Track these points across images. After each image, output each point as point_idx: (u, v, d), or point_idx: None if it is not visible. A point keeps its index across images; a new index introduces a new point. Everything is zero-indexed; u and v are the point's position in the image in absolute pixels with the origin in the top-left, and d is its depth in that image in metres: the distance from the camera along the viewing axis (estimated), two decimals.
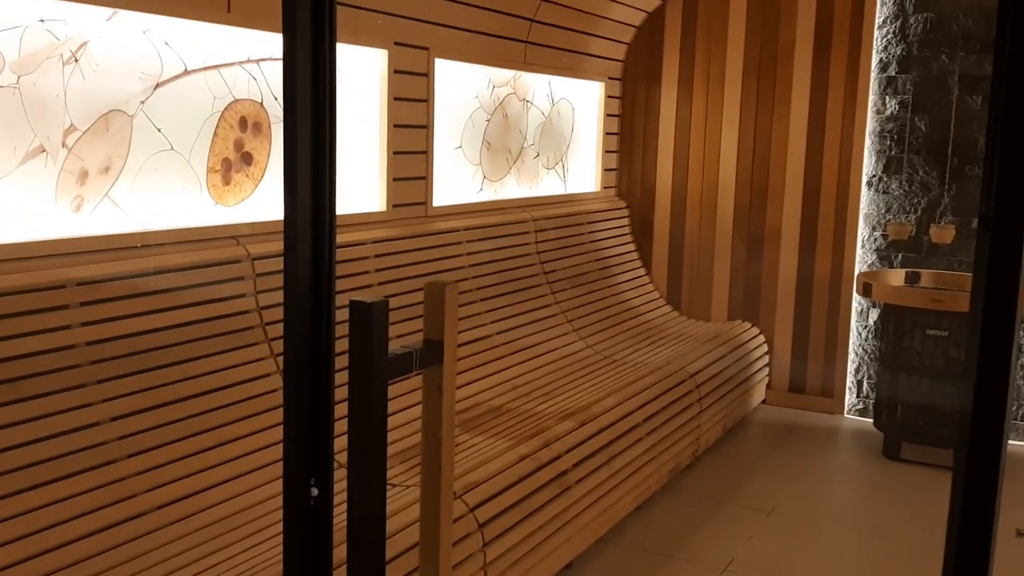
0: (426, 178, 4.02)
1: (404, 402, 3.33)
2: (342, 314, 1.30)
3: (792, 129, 5.23)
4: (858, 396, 5.23)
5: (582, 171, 5.47)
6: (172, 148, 2.85)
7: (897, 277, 4.88)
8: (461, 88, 4.28)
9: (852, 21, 5.02)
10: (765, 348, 5.31)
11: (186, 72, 2.87)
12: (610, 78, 5.55)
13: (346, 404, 1.26)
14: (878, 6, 4.97)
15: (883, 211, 5.06)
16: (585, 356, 4.51)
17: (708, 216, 5.51)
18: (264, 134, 3.17)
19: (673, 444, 4.03)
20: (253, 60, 3.09)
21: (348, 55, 3.54)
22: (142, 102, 2.73)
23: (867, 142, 5.07)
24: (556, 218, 4.97)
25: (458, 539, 2.62)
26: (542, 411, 3.62)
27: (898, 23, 4.94)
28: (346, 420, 1.27)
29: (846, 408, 5.25)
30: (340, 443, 1.31)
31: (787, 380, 5.36)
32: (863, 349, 5.19)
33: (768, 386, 5.38)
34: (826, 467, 4.52)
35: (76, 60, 2.53)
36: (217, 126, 2.99)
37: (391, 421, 3.20)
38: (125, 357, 2.58)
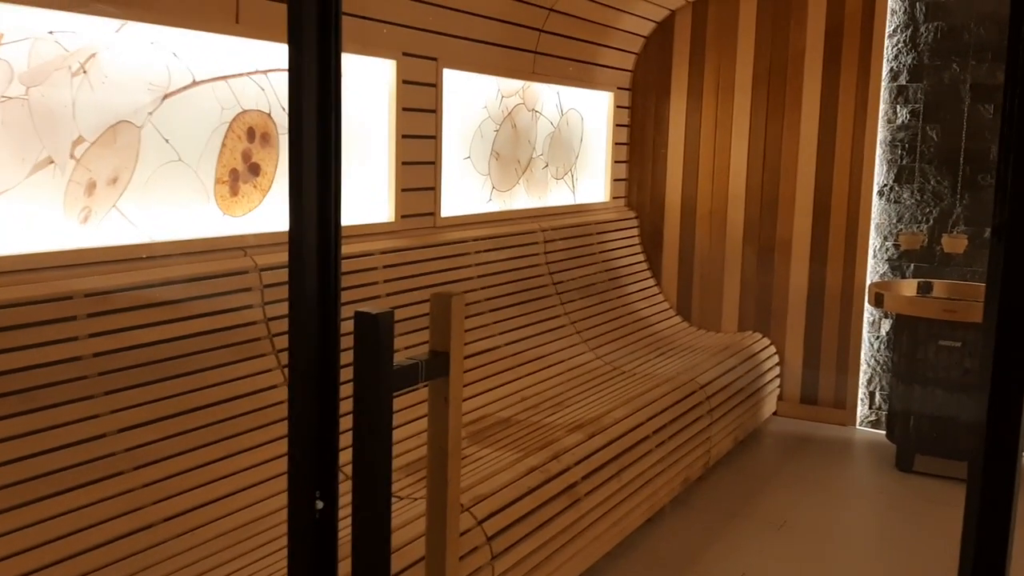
0: (435, 188, 4.02)
1: (412, 414, 3.31)
2: (349, 325, 1.29)
3: (802, 139, 5.21)
4: (870, 408, 5.18)
5: (591, 181, 5.46)
6: (180, 159, 2.85)
7: (909, 287, 4.84)
8: (470, 98, 4.28)
9: (862, 30, 5.00)
10: (776, 359, 5.28)
11: (194, 83, 2.87)
12: (619, 88, 5.55)
13: (352, 417, 1.25)
14: (888, 15, 4.95)
15: (895, 221, 5.03)
16: (594, 367, 4.49)
17: (718, 226, 5.49)
18: (272, 145, 3.17)
19: (684, 456, 4.00)
20: (261, 71, 3.09)
21: (357, 65, 3.54)
22: (150, 113, 2.74)
23: (878, 151, 5.04)
24: (565, 228, 4.95)
25: (466, 552, 2.60)
26: (551, 423, 3.60)
27: (909, 32, 4.92)
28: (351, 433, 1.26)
29: (858, 420, 5.20)
30: (346, 456, 1.30)
31: (799, 391, 5.32)
32: (875, 360, 5.15)
33: (779, 397, 5.34)
34: (838, 480, 4.48)
35: (85, 71, 2.54)
36: (225, 137, 2.99)
37: (398, 433, 3.18)
38: (132, 368, 2.58)
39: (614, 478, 3.42)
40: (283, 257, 3.06)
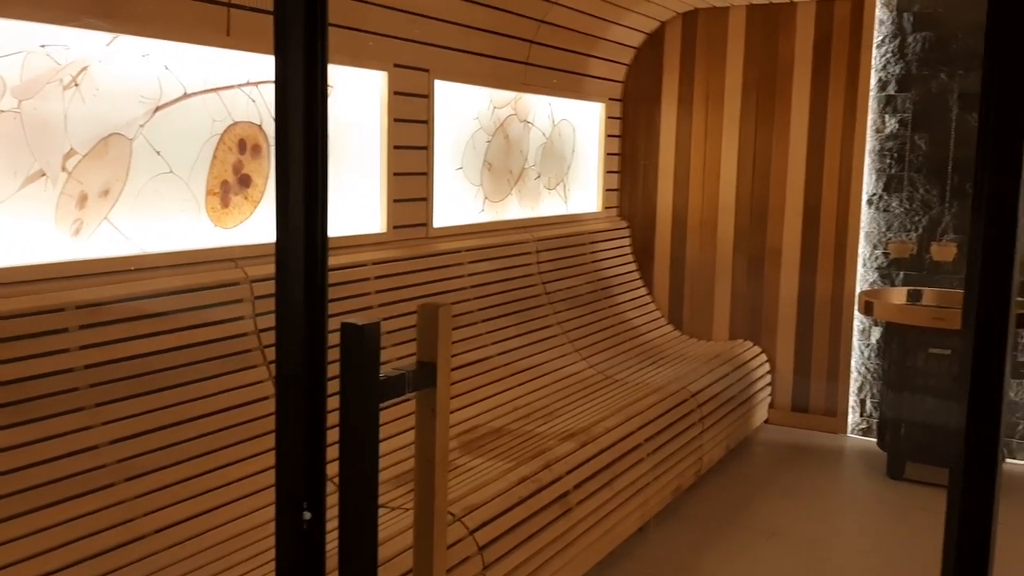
0: (427, 199, 4.03)
1: (402, 425, 3.32)
2: (338, 337, 1.30)
3: (792, 148, 5.24)
4: (861, 415, 5.20)
5: (583, 192, 5.48)
6: (171, 171, 2.86)
7: (899, 295, 4.87)
8: (462, 109, 4.30)
9: (850, 40, 5.04)
10: (767, 367, 5.30)
11: (185, 95, 2.89)
12: (611, 99, 5.57)
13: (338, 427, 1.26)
14: (876, 25, 4.99)
15: (884, 229, 5.06)
16: (587, 376, 4.50)
17: (709, 235, 5.51)
18: (263, 156, 3.18)
19: (675, 465, 4.01)
20: (252, 83, 3.11)
21: (348, 77, 3.56)
22: (141, 126, 2.75)
23: (867, 160, 5.08)
24: (558, 238, 4.97)
25: (457, 562, 2.60)
26: (543, 432, 3.61)
27: (897, 42, 4.96)
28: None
29: (849, 428, 5.22)
30: (334, 467, 1.31)
31: (790, 399, 5.34)
32: (866, 368, 5.17)
33: (771, 405, 5.36)
34: (830, 487, 4.50)
35: (77, 84, 2.55)
36: (216, 149, 3.00)
37: (387, 444, 3.19)
38: (124, 380, 2.58)
39: (606, 487, 3.43)
40: (274, 269, 3.05)
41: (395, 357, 3.55)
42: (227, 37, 2.96)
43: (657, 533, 3.87)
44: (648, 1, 4.98)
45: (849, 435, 5.22)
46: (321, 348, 1.17)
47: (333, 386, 1.29)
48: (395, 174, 3.81)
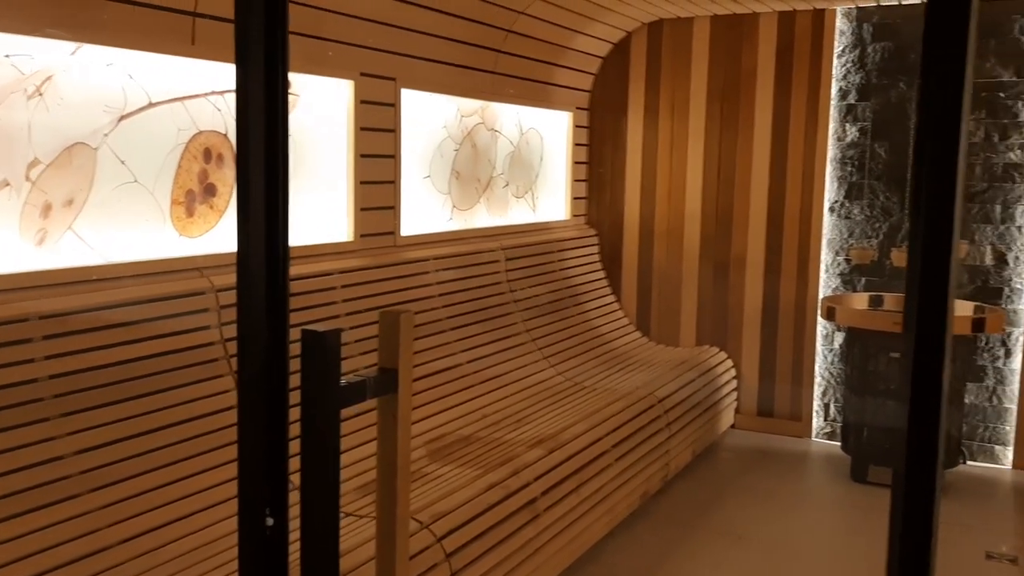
0: (394, 208, 4.04)
1: (371, 434, 3.33)
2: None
3: (755, 156, 5.32)
4: (825, 419, 5.27)
5: (552, 200, 5.52)
6: (136, 180, 2.86)
7: (861, 301, 4.95)
8: (429, 117, 4.32)
9: (812, 50, 5.12)
10: (733, 373, 5.36)
11: (150, 104, 2.88)
12: (578, 108, 5.62)
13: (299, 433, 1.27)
14: (837, 36, 5.08)
15: (846, 236, 5.15)
16: (555, 383, 4.53)
17: (675, 243, 5.57)
18: (228, 165, 3.18)
19: (643, 470, 4.05)
20: (217, 92, 3.11)
21: (314, 86, 3.57)
22: (106, 135, 2.74)
23: (828, 168, 5.16)
24: (526, 246, 5.00)
25: (425, 569, 2.61)
26: (512, 439, 3.63)
27: (857, 52, 5.05)
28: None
29: (814, 432, 5.29)
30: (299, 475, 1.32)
31: (755, 404, 5.41)
32: (829, 373, 5.24)
33: (737, 410, 5.42)
34: (795, 491, 4.56)
35: (41, 94, 2.54)
36: (181, 158, 3.00)
37: (355, 453, 3.19)
38: (89, 390, 2.57)
39: (574, 492, 3.46)
40: None
41: (363, 366, 3.55)
42: (192, 46, 2.97)
43: (625, 537, 3.90)
44: (613, 11, 5.04)
45: (813, 439, 5.29)
46: (283, 355, 1.19)
47: (297, 393, 1.30)
48: (362, 182, 3.82)
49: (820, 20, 5.09)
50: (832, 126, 5.14)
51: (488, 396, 4.13)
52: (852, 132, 5.10)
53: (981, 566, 3.72)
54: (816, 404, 5.29)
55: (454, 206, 4.58)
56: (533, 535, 3.17)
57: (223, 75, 3.11)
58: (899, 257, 4.80)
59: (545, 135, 5.39)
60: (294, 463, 1.32)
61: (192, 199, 3.05)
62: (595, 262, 5.70)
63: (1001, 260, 4.84)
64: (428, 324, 4.05)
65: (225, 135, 3.16)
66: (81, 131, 2.67)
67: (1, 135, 2.45)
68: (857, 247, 5.05)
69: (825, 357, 5.25)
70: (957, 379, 4.51)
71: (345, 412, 3.33)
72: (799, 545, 3.92)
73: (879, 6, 4.96)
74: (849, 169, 5.12)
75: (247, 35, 1.22)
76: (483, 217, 4.84)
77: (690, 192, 5.50)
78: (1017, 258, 4.80)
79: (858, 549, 3.87)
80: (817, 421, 5.29)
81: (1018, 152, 4.77)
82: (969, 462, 4.90)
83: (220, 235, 3.16)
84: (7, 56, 2.45)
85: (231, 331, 3.02)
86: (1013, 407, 4.85)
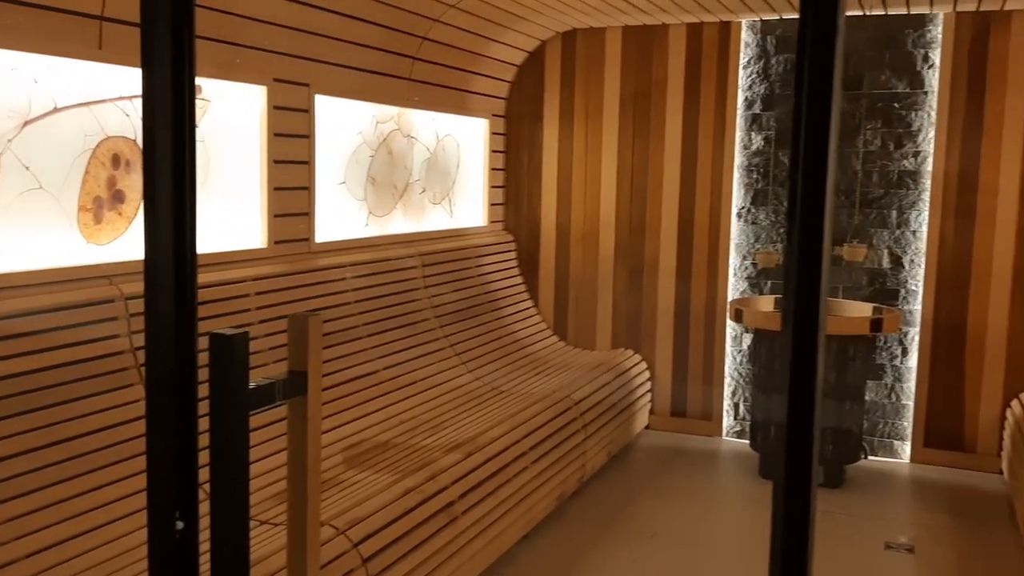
0: (309, 214, 4.03)
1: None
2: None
3: (667, 163, 5.46)
4: (735, 419, 5.44)
5: (469, 206, 5.57)
6: (41, 187, 2.79)
7: (766, 303, 5.13)
8: (344, 124, 4.32)
9: (719, 61, 5.29)
10: (647, 375, 5.48)
11: (56, 109, 2.82)
12: (494, 115, 5.68)
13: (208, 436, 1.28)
14: (743, 47, 5.26)
15: (752, 240, 5.33)
16: (473, 388, 4.57)
17: (591, 248, 5.68)
18: (137, 171, 3.13)
19: (559, 472, 4.12)
20: (126, 97, 3.06)
21: (227, 91, 3.54)
22: (10, 140, 2.68)
23: (736, 175, 5.33)
24: (444, 252, 5.03)
25: (342, 575, 2.62)
26: (429, 444, 3.65)
27: (761, 63, 5.24)
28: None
29: (724, 430, 5.46)
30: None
31: (669, 405, 5.54)
32: (738, 373, 5.41)
33: (651, 412, 5.54)
34: (706, 489, 4.69)
35: None
36: (88, 164, 2.94)
37: (272, 461, 3.17)
38: None
39: (491, 495, 3.50)
40: None
41: (278, 373, 3.53)
42: (99, 50, 2.92)
43: (542, 539, 3.96)
44: (527, 20, 5.12)
45: (724, 437, 5.45)
46: (191, 358, 1.20)
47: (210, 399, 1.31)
48: (276, 189, 3.80)
49: (727, 32, 5.26)
50: (739, 135, 5.32)
51: (405, 402, 4.14)
52: (757, 140, 5.28)
53: (880, 556, 3.90)
54: (726, 403, 5.45)
55: (370, 212, 4.59)
56: (450, 538, 3.20)
57: (131, 80, 3.06)
58: None
59: (462, 142, 5.43)
60: (207, 471, 1.33)
61: (100, 206, 3.00)
62: (512, 267, 5.76)
63: (897, 263, 5.07)
64: (344, 331, 4.05)
65: (134, 140, 3.11)
66: None
67: None
68: (763, 251, 5.23)
69: (734, 358, 5.42)
70: (858, 377, 4.71)
71: (261, 419, 3.31)
72: (711, 541, 4.04)
73: (781, 20, 5.15)
74: (755, 176, 5.30)
75: (153, 39, 1.23)
76: (400, 223, 4.85)
77: (605, 198, 5.62)
78: (912, 261, 5.05)
79: (766, 543, 4.00)
80: (727, 420, 5.45)
81: (912, 160, 5.01)
82: (870, 457, 5.12)
83: (129, 242, 3.11)
84: None
85: (141, 339, 2.98)
86: (910, 403, 5.09)
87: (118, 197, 3.07)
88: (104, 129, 2.99)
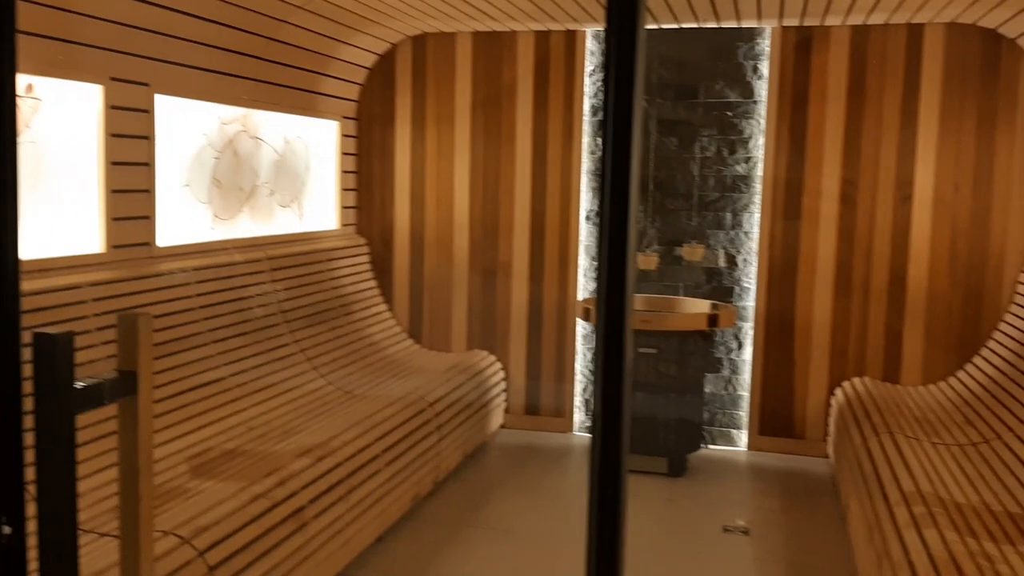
0: (150, 217, 3.91)
1: None
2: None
3: (518, 167, 5.58)
4: (587, 414, 5.61)
5: (320, 209, 5.52)
6: None
7: None
8: (187, 124, 4.21)
9: (566, 68, 5.46)
10: (502, 374, 5.59)
11: None
12: (345, 117, 5.66)
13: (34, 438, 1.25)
14: (588, 56, 5.44)
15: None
16: (325, 393, 4.53)
17: (445, 251, 5.73)
18: None
19: (413, 473, 4.15)
20: None
21: (59, 90, 3.39)
22: None
23: (584, 180, 5.51)
24: (293, 256, 4.97)
25: None
26: (278, 450, 3.60)
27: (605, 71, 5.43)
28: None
29: (576, 426, 5.62)
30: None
31: (523, 403, 5.66)
32: (589, 370, 5.59)
33: (506, 410, 5.65)
34: (558, 484, 4.82)
35: None
36: None
37: (113, 472, 3.06)
38: None
39: (342, 500, 3.49)
40: None
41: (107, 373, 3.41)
42: None
43: (396, 541, 3.98)
44: (377, 24, 5.12)
45: (576, 433, 5.61)
46: (15, 359, 1.18)
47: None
48: (114, 191, 3.67)
49: (572, 40, 5.43)
50: (586, 140, 5.50)
51: (254, 408, 4.07)
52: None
53: (719, 538, 4.12)
54: (577, 400, 5.62)
55: (215, 215, 4.48)
56: (301, 544, 3.18)
57: None
58: (644, 261, 5.21)
59: (312, 144, 5.38)
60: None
61: None
62: (365, 271, 5.74)
63: (732, 262, 5.37)
64: (189, 337, 3.94)
65: None
66: None
67: None
68: None
69: (585, 356, 5.59)
70: (697, 370, 4.96)
71: (102, 429, 3.17)
72: (562, 536, 4.17)
73: None
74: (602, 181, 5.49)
75: None
76: (247, 226, 4.76)
77: (458, 201, 5.69)
78: (746, 260, 5.35)
79: None
80: (579, 416, 5.62)
81: (744, 165, 5.32)
82: (710, 446, 5.40)
83: None
84: None
85: None
86: (746, 394, 5.39)
87: None
88: None
